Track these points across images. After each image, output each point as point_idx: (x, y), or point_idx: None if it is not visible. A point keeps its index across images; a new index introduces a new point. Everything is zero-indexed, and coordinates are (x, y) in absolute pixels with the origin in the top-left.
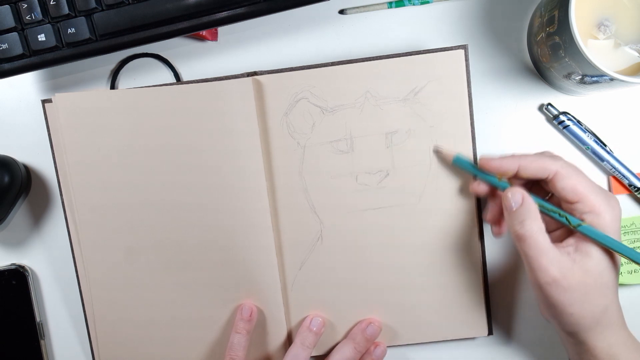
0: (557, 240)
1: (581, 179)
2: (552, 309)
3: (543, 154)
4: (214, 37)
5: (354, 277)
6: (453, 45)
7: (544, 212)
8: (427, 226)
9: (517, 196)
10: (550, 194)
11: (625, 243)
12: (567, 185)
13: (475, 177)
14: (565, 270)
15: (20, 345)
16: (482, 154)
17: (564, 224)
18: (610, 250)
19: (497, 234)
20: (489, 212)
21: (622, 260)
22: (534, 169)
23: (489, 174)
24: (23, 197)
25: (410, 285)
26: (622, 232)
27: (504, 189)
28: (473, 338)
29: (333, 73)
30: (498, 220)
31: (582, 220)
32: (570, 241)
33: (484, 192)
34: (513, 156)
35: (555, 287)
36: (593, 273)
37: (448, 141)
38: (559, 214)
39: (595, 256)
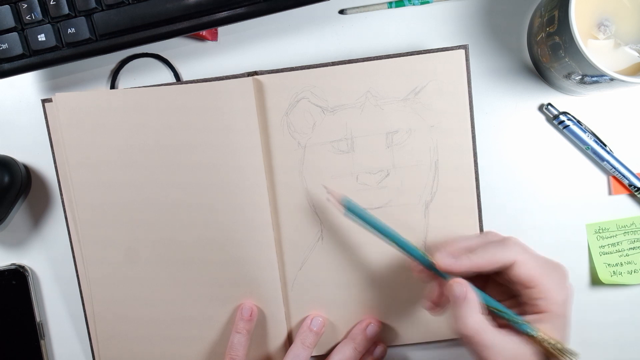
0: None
1: (536, 263)
2: None
3: (494, 244)
4: (214, 37)
5: (354, 276)
6: (453, 45)
7: (492, 312)
8: (427, 226)
9: (460, 289)
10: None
11: (625, 243)
12: (522, 273)
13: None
14: (513, 351)
15: (20, 345)
16: (437, 252)
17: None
18: (564, 324)
19: (437, 314)
20: (429, 295)
21: (623, 260)
22: (491, 267)
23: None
24: (23, 197)
25: (411, 285)
26: (623, 232)
27: (446, 278)
28: None
29: (333, 73)
30: (438, 301)
31: (533, 306)
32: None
33: (428, 278)
34: (468, 256)
35: None
36: (520, 356)
37: (448, 140)
38: (511, 320)
39: (526, 342)
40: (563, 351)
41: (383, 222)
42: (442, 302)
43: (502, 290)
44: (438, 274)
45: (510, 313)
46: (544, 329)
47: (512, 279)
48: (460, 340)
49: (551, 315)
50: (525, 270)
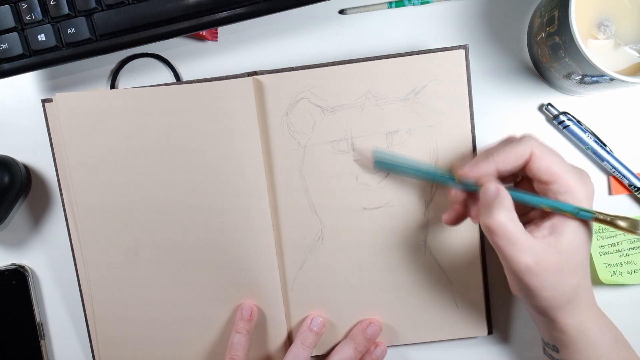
0: (531, 221)
1: (555, 157)
2: (524, 292)
3: (512, 142)
4: (214, 37)
5: (354, 276)
6: (453, 45)
7: (533, 206)
8: (427, 226)
9: (492, 188)
10: (518, 178)
11: (625, 243)
12: (541, 166)
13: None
14: (539, 255)
15: (20, 345)
16: (454, 165)
17: (557, 213)
18: (584, 227)
19: (453, 224)
20: (450, 213)
21: (623, 260)
22: (511, 163)
23: (443, 177)
24: (23, 197)
25: (411, 284)
26: (623, 232)
27: (476, 189)
28: (473, 338)
29: (333, 73)
30: (458, 217)
31: (557, 199)
32: (547, 224)
33: (463, 197)
34: (487, 158)
35: (528, 273)
36: (567, 253)
37: (448, 141)
38: (553, 207)
39: (570, 236)
40: (636, 223)
41: (410, 161)
42: (461, 216)
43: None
44: (469, 188)
45: (556, 202)
46: (563, 226)
47: (534, 175)
48: (486, 233)
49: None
50: (543, 163)
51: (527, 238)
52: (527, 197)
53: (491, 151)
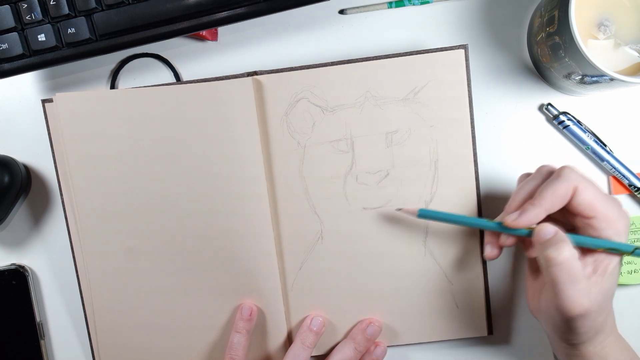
0: None
1: (594, 190)
2: (559, 327)
3: (553, 179)
4: (214, 37)
5: (354, 277)
6: (453, 45)
7: (590, 248)
8: (427, 225)
9: (549, 229)
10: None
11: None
12: (583, 200)
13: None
14: (592, 298)
15: (20, 345)
16: (504, 216)
17: (614, 254)
18: (620, 261)
19: (492, 258)
20: (491, 248)
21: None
22: (558, 205)
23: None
24: (23, 197)
25: (411, 285)
26: None
27: (528, 233)
28: (473, 338)
29: (333, 73)
30: (497, 251)
31: (598, 237)
32: (589, 259)
33: (512, 243)
34: (533, 205)
35: (581, 317)
36: (608, 292)
37: (448, 140)
38: (610, 248)
39: (610, 275)
40: None
41: (455, 215)
42: (500, 250)
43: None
44: (517, 234)
45: (615, 243)
46: (606, 262)
47: (574, 210)
48: (549, 266)
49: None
50: (586, 197)
51: (586, 280)
52: (585, 240)
53: (532, 192)
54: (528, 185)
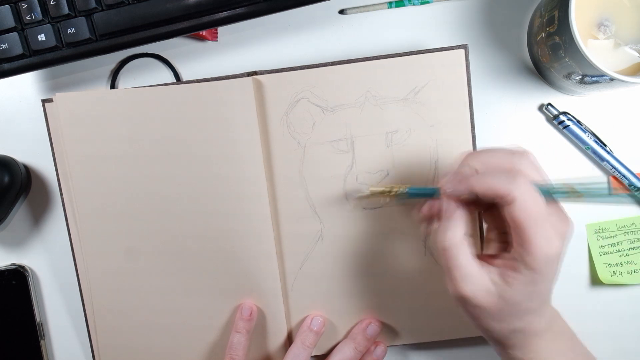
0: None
1: (534, 209)
2: (469, 318)
3: (499, 171)
4: (214, 37)
5: (354, 276)
6: (453, 45)
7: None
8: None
9: (449, 205)
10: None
11: (625, 243)
12: (514, 214)
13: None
14: (479, 289)
15: (20, 345)
16: (445, 178)
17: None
18: (536, 280)
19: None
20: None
21: (623, 260)
22: (487, 197)
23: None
24: (23, 197)
25: (410, 285)
26: (623, 232)
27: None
28: (473, 338)
29: (333, 73)
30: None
31: (513, 250)
32: (498, 262)
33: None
34: (468, 181)
35: (464, 303)
36: (510, 302)
37: (448, 140)
38: (569, 191)
39: (517, 287)
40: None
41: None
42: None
43: (495, 218)
44: (425, 194)
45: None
46: (512, 277)
47: (503, 214)
48: (437, 252)
49: (525, 265)
50: (518, 213)
51: (473, 267)
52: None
53: (476, 175)
54: (485, 154)
